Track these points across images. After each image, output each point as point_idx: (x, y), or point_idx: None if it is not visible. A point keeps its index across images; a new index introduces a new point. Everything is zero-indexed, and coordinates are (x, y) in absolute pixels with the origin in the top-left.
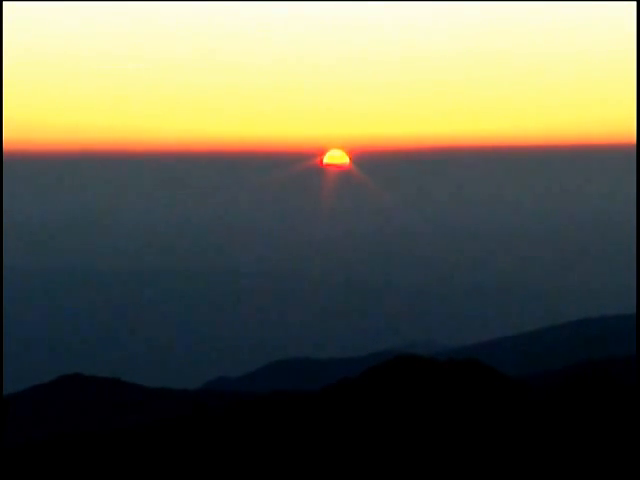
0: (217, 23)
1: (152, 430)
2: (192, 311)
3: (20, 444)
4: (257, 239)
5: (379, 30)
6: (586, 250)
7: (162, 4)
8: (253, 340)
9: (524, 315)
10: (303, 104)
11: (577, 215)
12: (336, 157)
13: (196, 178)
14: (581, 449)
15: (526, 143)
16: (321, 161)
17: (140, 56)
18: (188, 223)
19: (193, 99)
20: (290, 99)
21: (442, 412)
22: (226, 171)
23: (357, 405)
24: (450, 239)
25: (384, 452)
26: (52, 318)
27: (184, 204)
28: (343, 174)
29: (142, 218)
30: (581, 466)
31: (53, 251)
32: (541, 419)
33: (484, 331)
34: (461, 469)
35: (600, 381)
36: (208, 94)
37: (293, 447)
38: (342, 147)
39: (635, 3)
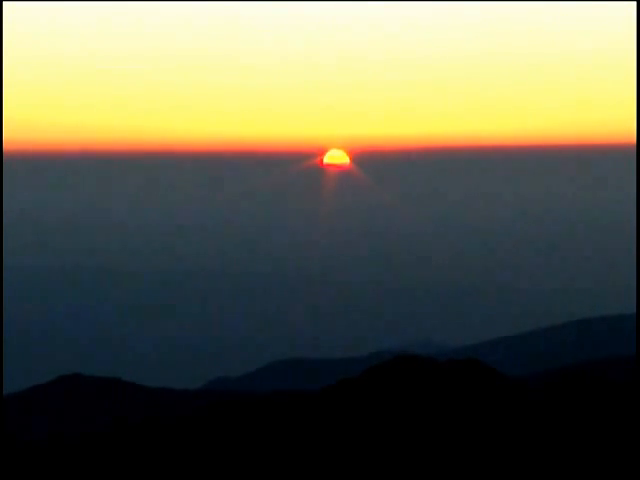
0: (217, 23)
1: (152, 430)
2: (192, 311)
3: (20, 444)
4: (257, 239)
5: (379, 30)
6: (586, 250)
7: (162, 4)
8: (253, 340)
9: (524, 315)
10: (303, 104)
11: (577, 215)
12: (336, 157)
13: (196, 178)
14: (581, 449)
15: (526, 143)
16: (321, 161)
17: (140, 56)
18: (188, 223)
19: (193, 99)
20: (290, 99)
21: (442, 412)
22: (226, 171)
23: (357, 405)
24: (450, 239)
25: (384, 452)
26: (52, 318)
27: (184, 204)
28: (343, 174)
29: (142, 218)
30: (581, 466)
31: (53, 251)
32: (541, 419)
33: (484, 331)
34: (461, 469)
35: (594, 382)
36: (208, 94)
37: (293, 447)
38: (342, 147)
39: (635, 3)
